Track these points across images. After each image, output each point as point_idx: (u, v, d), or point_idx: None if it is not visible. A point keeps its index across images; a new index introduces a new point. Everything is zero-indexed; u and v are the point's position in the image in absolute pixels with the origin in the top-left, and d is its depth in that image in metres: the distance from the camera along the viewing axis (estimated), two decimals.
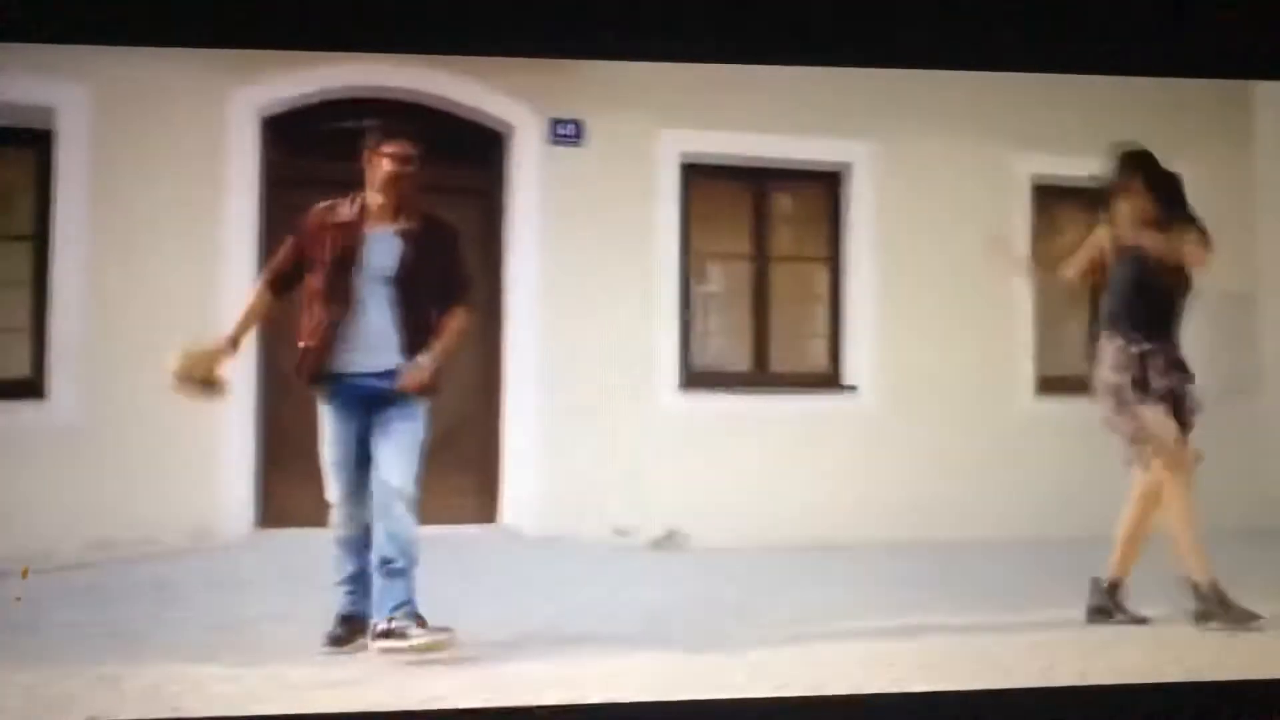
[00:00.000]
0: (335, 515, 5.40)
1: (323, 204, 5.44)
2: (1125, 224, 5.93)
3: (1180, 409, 5.81)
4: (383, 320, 5.31)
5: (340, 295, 5.27)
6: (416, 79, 8.24)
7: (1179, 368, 5.84)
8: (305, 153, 8.35)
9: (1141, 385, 5.78)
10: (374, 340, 5.29)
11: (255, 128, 8.28)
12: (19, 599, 6.17)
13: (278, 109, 8.38)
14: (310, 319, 5.34)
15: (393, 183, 5.33)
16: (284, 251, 5.49)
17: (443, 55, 7.74)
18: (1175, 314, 5.91)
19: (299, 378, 5.38)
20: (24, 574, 6.61)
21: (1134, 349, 5.81)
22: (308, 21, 5.14)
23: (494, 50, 6.25)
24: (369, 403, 5.27)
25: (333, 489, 5.38)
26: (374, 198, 5.36)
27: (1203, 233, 5.83)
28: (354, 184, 5.38)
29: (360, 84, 8.24)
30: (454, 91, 8.41)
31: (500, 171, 8.77)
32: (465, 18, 5.28)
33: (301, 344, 5.37)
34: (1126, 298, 5.89)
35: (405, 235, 5.35)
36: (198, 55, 7.89)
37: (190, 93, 8.08)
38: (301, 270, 5.41)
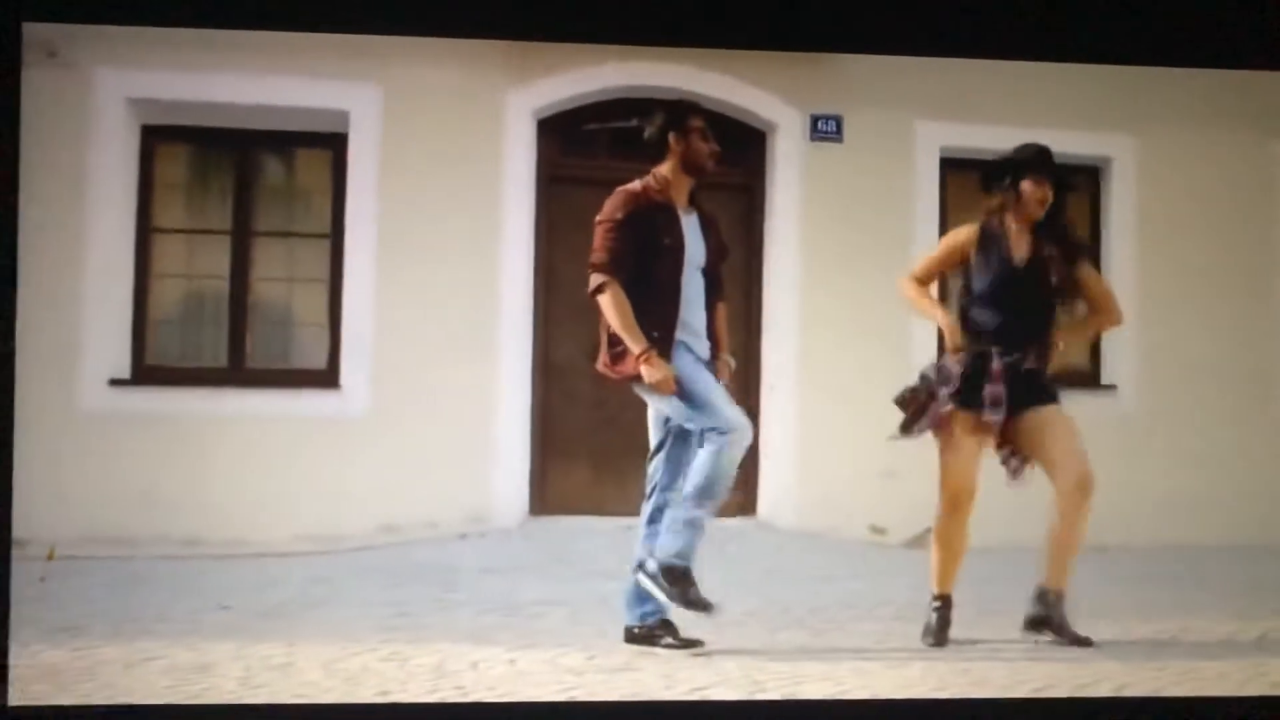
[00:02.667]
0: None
1: (631, 187, 5.15)
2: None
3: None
4: (698, 310, 5.21)
5: (676, 284, 5.11)
6: (682, 78, 8.36)
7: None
8: (577, 152, 8.68)
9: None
10: (695, 332, 5.19)
11: (531, 128, 8.54)
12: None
13: (552, 110, 8.62)
14: (646, 308, 5.07)
15: (709, 158, 5.19)
16: (613, 238, 5.05)
17: (709, 49, 7.84)
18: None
19: (650, 366, 5.01)
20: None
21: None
22: (581, 16, 5.16)
23: (758, 44, 6.33)
24: None
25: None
26: (678, 179, 5.19)
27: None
28: (622, 181, 5.23)
29: (629, 84, 8.42)
30: (718, 90, 8.50)
31: (761, 168, 8.90)
32: (729, 12, 5.25)
33: (654, 334, 5.06)
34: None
35: (704, 221, 5.26)
36: (478, 59, 8.26)
37: (471, 95, 8.39)
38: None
